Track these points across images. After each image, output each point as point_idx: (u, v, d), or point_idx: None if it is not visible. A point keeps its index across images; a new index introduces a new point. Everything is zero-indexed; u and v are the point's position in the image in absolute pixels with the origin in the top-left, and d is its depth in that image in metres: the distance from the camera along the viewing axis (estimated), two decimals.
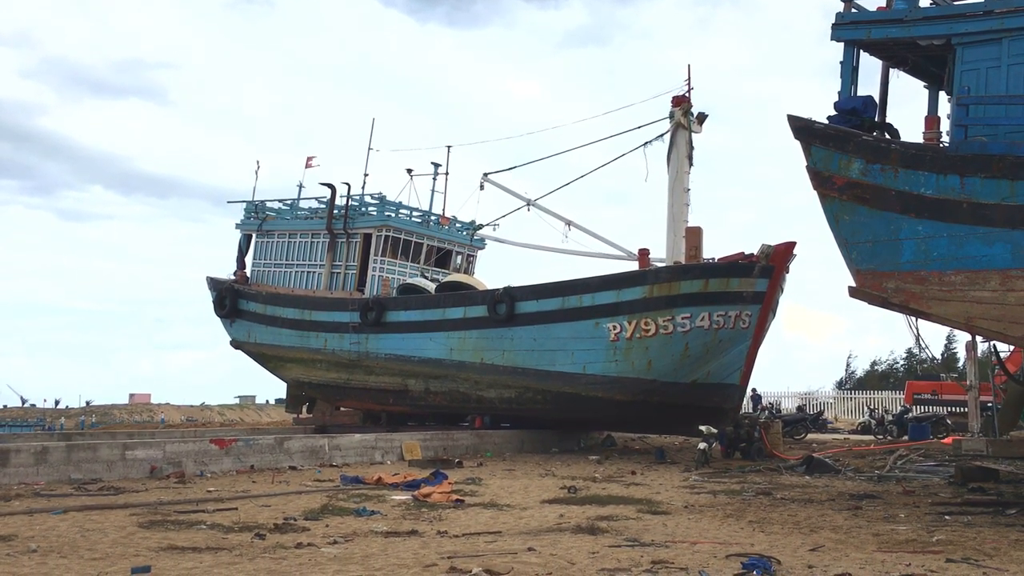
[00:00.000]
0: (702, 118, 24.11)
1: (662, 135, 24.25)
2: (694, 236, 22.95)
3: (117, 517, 11.14)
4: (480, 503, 13.04)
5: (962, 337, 31.91)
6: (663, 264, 23.69)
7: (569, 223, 26.54)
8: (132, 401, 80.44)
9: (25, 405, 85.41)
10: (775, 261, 21.54)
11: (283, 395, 35.75)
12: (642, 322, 22.13)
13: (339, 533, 10.17)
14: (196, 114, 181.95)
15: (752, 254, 21.70)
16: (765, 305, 21.75)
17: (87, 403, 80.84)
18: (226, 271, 32.54)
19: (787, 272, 22.29)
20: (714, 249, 23.24)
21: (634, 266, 24.30)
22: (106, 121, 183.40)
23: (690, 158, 23.94)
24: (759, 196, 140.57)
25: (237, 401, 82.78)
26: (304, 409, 31.75)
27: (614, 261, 25.74)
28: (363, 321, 26.92)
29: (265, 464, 17.76)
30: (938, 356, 45.03)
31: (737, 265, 21.77)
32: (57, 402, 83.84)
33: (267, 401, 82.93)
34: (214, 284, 31.91)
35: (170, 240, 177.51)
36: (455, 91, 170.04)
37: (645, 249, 24.44)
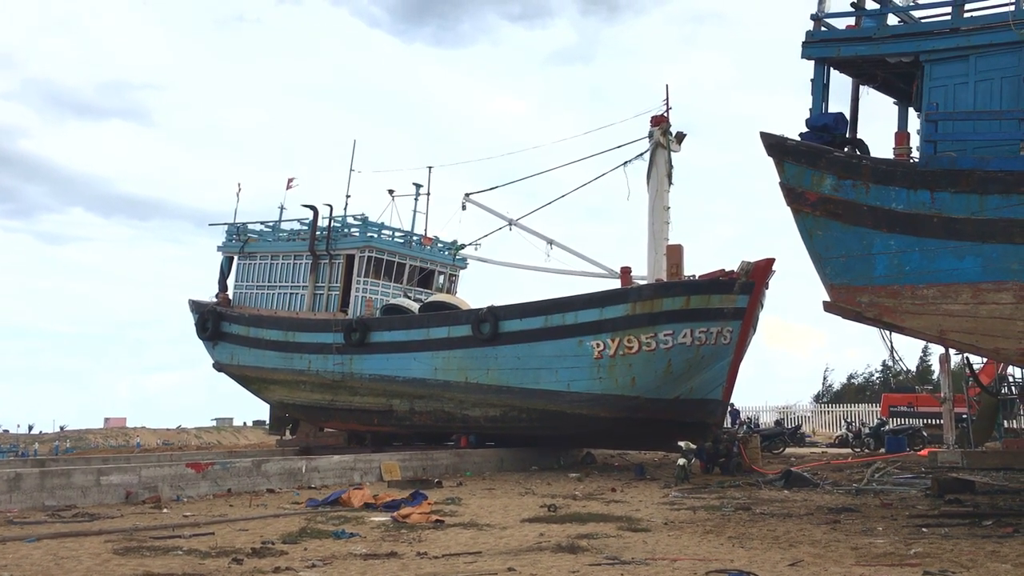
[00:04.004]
0: (681, 137, 24.39)
1: (642, 154, 24.50)
2: (675, 254, 23.15)
3: (92, 544, 10.99)
4: (460, 523, 12.98)
5: (936, 350, 32.20)
6: (645, 282, 23.83)
7: (551, 242, 26.69)
8: (107, 425, 79.22)
9: None
10: (755, 277, 21.76)
11: (261, 417, 35.56)
12: (625, 339, 22.24)
13: (317, 556, 10.09)
14: (179, 135, 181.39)
15: (732, 271, 21.90)
16: (746, 321, 21.94)
17: (61, 428, 79.56)
18: (208, 293, 32.44)
19: (767, 288, 22.51)
20: (697, 265, 23.46)
21: (616, 284, 24.42)
22: (88, 143, 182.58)
23: (669, 176, 24.19)
24: (743, 211, 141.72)
25: (214, 424, 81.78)
26: (288, 431, 31.56)
27: (596, 279, 25.87)
28: (347, 342, 26.86)
29: (243, 487, 17.58)
30: (913, 369, 45.39)
31: (718, 282, 21.96)
32: (31, 427, 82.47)
33: (244, 423, 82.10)
34: (196, 307, 31.76)
35: (151, 262, 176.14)
36: (440, 111, 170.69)
37: (627, 267, 24.62)
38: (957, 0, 12.97)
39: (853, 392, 51.14)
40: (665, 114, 24.26)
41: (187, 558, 9.96)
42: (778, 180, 13.50)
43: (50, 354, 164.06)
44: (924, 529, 11.73)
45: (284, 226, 31.40)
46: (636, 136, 24.66)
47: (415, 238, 30.92)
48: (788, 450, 27.90)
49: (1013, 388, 20.14)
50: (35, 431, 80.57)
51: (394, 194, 31.30)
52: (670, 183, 24.16)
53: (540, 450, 25.11)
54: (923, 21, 13.78)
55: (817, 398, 51.94)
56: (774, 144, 13.45)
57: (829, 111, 13.75)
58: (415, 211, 31.81)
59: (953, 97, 12.76)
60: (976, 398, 20.47)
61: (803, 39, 13.77)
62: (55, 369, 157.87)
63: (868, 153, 13.64)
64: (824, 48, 13.71)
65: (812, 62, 13.78)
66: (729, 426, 27.94)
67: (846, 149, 13.47)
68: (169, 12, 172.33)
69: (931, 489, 15.67)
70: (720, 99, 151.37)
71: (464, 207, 28.09)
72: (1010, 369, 19.66)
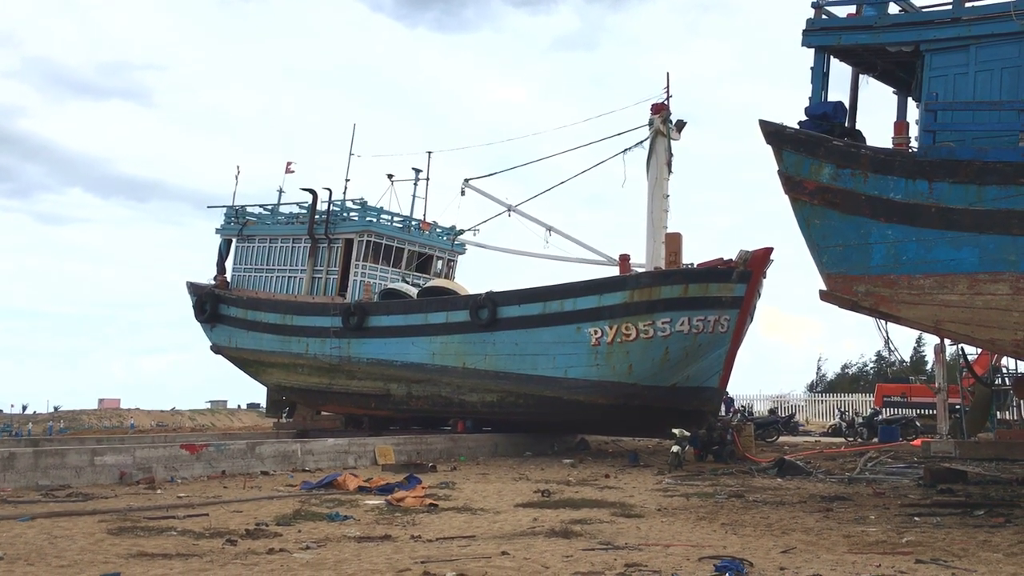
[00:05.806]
0: (681, 125, 24.32)
1: (642, 142, 24.44)
2: (674, 242, 23.16)
3: (86, 524, 11.03)
4: (454, 507, 13.03)
5: (931, 340, 32.20)
6: (643, 269, 23.84)
7: (550, 228, 26.66)
8: (101, 406, 79.06)
9: None
10: (753, 266, 21.79)
11: (255, 400, 35.62)
12: (623, 326, 22.27)
13: (311, 538, 10.13)
14: (180, 116, 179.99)
15: (731, 259, 21.91)
16: (743, 310, 21.99)
17: (55, 408, 79.63)
18: (206, 276, 32.46)
19: (764, 277, 22.54)
20: (696, 254, 23.46)
21: (615, 271, 24.42)
22: (88, 123, 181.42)
23: (669, 165, 24.15)
24: (741, 200, 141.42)
25: (208, 406, 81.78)
26: (284, 414, 31.66)
27: (595, 266, 25.88)
28: (345, 326, 26.90)
29: (237, 469, 17.64)
30: (907, 359, 45.45)
31: (716, 270, 21.98)
32: (25, 407, 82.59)
33: (239, 406, 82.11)
34: (194, 289, 31.78)
35: (149, 244, 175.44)
36: (441, 96, 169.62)
37: (626, 254, 24.63)
38: None
39: (847, 382, 51.32)
40: (666, 102, 24.19)
41: (181, 539, 10.00)
42: (776, 168, 13.45)
43: (46, 334, 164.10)
44: (916, 518, 11.78)
45: (283, 209, 31.37)
46: (636, 124, 24.62)
47: (414, 223, 30.88)
48: (781, 439, 27.98)
49: (1007, 379, 20.19)
50: (29, 411, 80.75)
51: (393, 179, 31.32)
52: (670, 171, 24.13)
53: (534, 436, 25.19)
54: (924, 10, 13.67)
55: (811, 387, 52.09)
56: (773, 132, 13.38)
57: (828, 100, 13.69)
58: (414, 196, 31.84)
59: (953, 87, 12.70)
60: (970, 389, 20.51)
61: (804, 27, 13.69)
62: (50, 349, 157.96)
63: (864, 143, 13.58)
64: (824, 36, 13.63)
65: (812, 50, 13.70)
66: (723, 414, 28.05)
67: (845, 139, 13.42)
68: None
69: (923, 479, 15.74)
70: (721, 88, 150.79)
71: (463, 193, 28.08)
72: (1004, 360, 19.70)
